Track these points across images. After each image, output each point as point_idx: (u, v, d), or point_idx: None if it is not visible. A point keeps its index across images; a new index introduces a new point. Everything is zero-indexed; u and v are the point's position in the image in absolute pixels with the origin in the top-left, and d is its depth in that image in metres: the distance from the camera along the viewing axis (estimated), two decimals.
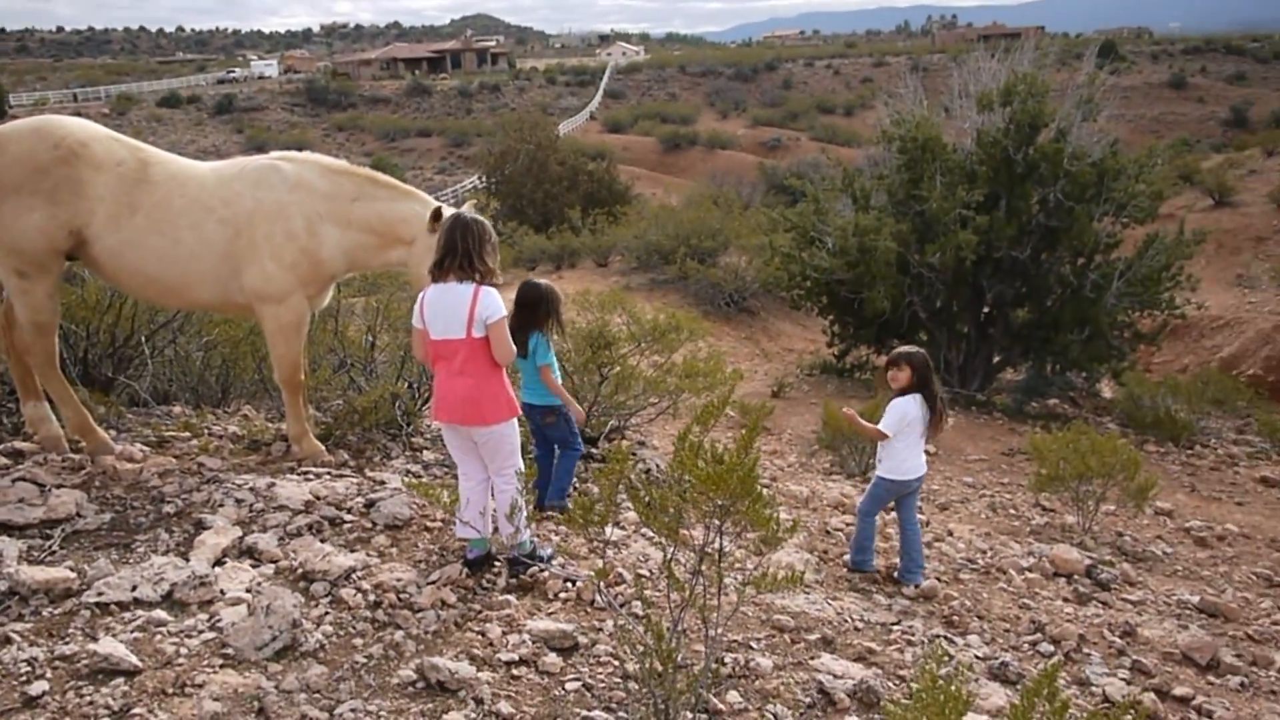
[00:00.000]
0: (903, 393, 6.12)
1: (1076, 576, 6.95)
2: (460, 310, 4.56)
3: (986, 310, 17.37)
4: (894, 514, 6.57)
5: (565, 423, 5.94)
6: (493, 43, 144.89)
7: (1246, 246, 29.63)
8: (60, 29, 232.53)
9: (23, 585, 4.02)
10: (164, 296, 5.74)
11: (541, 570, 4.78)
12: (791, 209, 20.60)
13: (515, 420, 4.80)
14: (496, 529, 4.67)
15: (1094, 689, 5.04)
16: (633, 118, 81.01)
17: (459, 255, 4.58)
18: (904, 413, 6.07)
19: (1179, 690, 5.18)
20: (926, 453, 6.54)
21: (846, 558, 6.42)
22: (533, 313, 5.68)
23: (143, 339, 7.25)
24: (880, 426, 6.13)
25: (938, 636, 5.15)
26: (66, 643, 3.73)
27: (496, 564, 4.81)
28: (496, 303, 4.60)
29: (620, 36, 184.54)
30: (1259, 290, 26.24)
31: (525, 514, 4.43)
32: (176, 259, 5.42)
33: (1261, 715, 5.12)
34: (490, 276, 4.67)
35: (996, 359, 17.60)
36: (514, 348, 4.70)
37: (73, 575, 4.16)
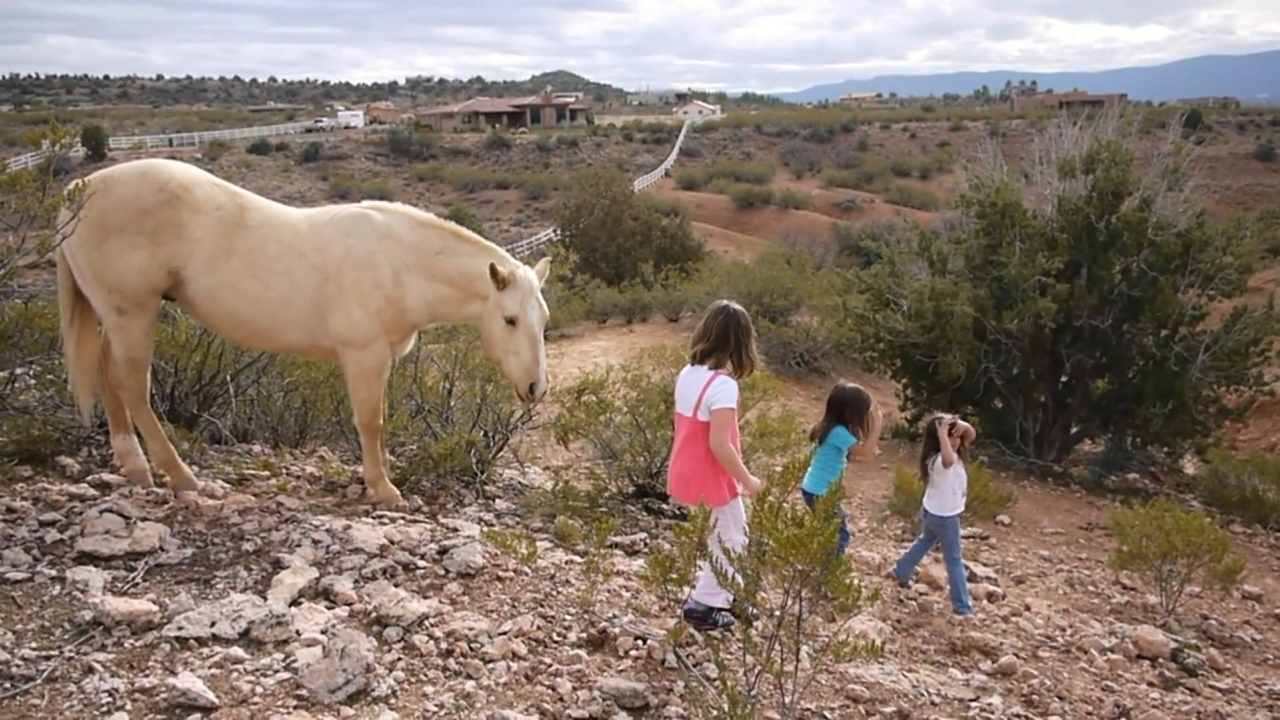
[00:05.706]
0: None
1: (1161, 660, 6.68)
2: (694, 391, 4.75)
3: (1065, 379, 16.97)
4: None
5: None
6: (572, 99, 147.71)
7: None
8: (160, 77, 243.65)
9: (107, 616, 4.09)
10: (254, 338, 5.88)
11: (722, 627, 4.87)
12: (866, 270, 20.46)
13: (729, 505, 4.83)
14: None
15: None
16: (707, 175, 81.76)
17: (713, 340, 4.80)
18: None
19: None
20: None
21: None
22: (838, 410, 6.05)
23: (228, 378, 7.42)
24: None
25: (1018, 716, 4.98)
26: (146, 675, 3.77)
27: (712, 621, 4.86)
28: (727, 393, 4.70)
29: (697, 95, 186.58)
30: None
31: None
32: (268, 303, 5.56)
33: None
34: (740, 370, 4.84)
35: (1074, 430, 17.16)
36: (725, 440, 4.71)
37: (154, 608, 4.22)
